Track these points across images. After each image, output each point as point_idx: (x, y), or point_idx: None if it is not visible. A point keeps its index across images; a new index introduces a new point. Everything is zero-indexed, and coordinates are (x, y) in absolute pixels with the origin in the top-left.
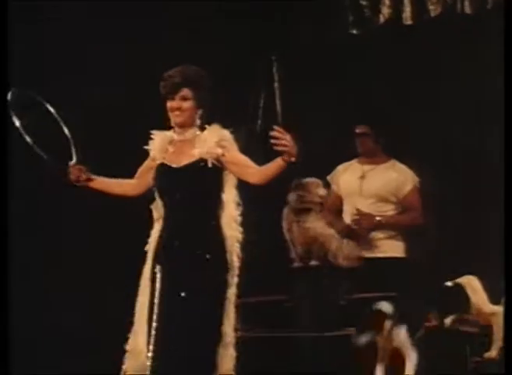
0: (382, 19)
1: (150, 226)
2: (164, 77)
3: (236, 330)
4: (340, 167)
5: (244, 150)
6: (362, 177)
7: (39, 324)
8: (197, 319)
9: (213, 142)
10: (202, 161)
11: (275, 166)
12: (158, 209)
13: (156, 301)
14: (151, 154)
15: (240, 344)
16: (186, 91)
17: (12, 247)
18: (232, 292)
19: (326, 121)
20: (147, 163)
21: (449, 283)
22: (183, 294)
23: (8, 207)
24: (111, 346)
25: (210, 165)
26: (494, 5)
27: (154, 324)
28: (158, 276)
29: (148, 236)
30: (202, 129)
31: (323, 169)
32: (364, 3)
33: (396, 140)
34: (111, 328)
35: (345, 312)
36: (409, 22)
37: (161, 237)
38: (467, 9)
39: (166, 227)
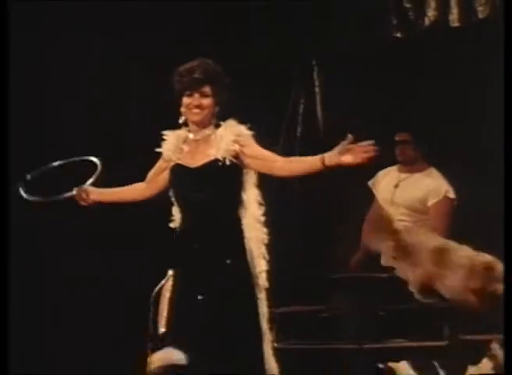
0: (427, 21)
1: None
2: (181, 72)
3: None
4: (381, 173)
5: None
6: (396, 186)
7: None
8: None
9: (230, 139)
10: (220, 160)
11: (309, 163)
12: (175, 212)
13: (174, 304)
14: (165, 155)
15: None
16: (206, 88)
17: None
18: (261, 298)
19: (368, 127)
20: (159, 165)
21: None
22: (200, 297)
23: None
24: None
25: (228, 163)
26: None
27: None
28: (171, 279)
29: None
30: (217, 126)
31: (365, 175)
32: (408, 6)
33: (437, 147)
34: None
35: (385, 323)
36: (456, 24)
37: (178, 239)
38: None
39: (184, 229)
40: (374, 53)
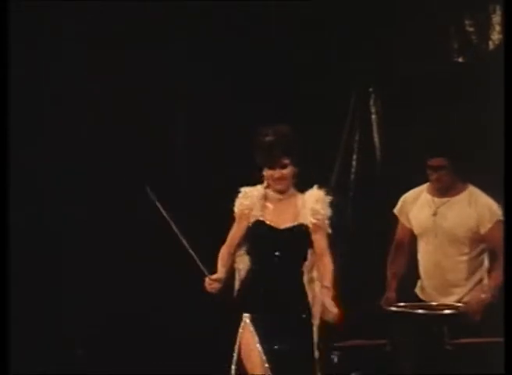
0: (491, 45)
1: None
2: (260, 146)
3: None
4: (408, 197)
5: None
6: (435, 214)
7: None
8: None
9: (320, 211)
10: (304, 225)
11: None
12: (243, 261)
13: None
14: (246, 212)
15: None
16: (286, 160)
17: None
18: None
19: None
20: (240, 226)
21: None
22: (276, 347)
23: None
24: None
25: (312, 229)
26: None
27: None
28: (249, 323)
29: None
30: (300, 190)
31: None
32: (470, 29)
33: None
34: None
35: (451, 358)
36: None
37: (250, 286)
38: None
39: (257, 279)
40: (434, 79)
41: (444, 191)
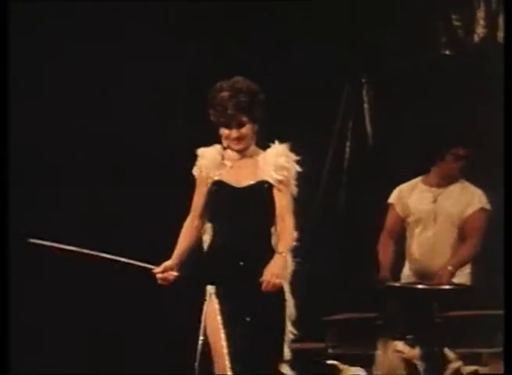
0: (476, 38)
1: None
2: (214, 106)
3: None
4: (404, 188)
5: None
6: (434, 201)
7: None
8: (259, 339)
9: (283, 166)
10: (266, 182)
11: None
12: (207, 231)
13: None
14: (204, 173)
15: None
16: (243, 118)
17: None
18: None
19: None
20: (200, 191)
21: None
22: (248, 319)
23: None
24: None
25: (275, 186)
26: None
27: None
28: (214, 297)
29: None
30: (263, 146)
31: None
32: (457, 24)
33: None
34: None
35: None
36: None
37: (215, 256)
38: None
39: (221, 245)
40: (423, 70)
41: (446, 180)
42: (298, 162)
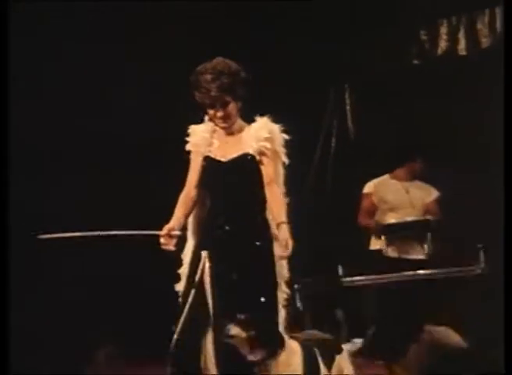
0: (439, 51)
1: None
2: (198, 88)
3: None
4: (377, 183)
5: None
6: (407, 192)
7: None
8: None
9: (263, 136)
10: (249, 154)
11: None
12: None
13: (208, 284)
14: (195, 149)
15: None
16: (227, 98)
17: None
18: (283, 275)
19: (390, 138)
20: (196, 166)
21: None
22: (235, 277)
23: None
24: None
25: (258, 158)
26: None
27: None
28: (207, 260)
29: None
30: (247, 120)
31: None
32: (424, 38)
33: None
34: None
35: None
36: (463, 53)
37: (206, 223)
38: None
39: (214, 214)
40: (397, 77)
41: (410, 176)
42: (285, 132)
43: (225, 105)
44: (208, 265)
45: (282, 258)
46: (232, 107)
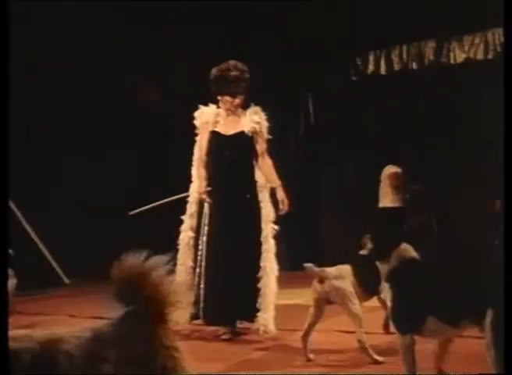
0: (368, 71)
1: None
2: (227, 78)
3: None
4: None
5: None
6: None
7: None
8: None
9: (254, 120)
10: (245, 132)
11: (279, 192)
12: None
13: (204, 237)
14: (204, 125)
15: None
16: (243, 90)
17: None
18: (269, 226)
19: (342, 133)
20: (204, 140)
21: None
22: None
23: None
24: None
25: (250, 135)
26: (430, 63)
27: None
28: (207, 211)
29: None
30: (244, 107)
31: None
32: (358, 62)
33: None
34: None
35: None
36: (384, 73)
37: (210, 179)
38: (415, 66)
39: (216, 177)
40: (342, 88)
41: None
42: (267, 120)
43: (241, 95)
44: (208, 200)
45: (280, 213)
46: (242, 99)
